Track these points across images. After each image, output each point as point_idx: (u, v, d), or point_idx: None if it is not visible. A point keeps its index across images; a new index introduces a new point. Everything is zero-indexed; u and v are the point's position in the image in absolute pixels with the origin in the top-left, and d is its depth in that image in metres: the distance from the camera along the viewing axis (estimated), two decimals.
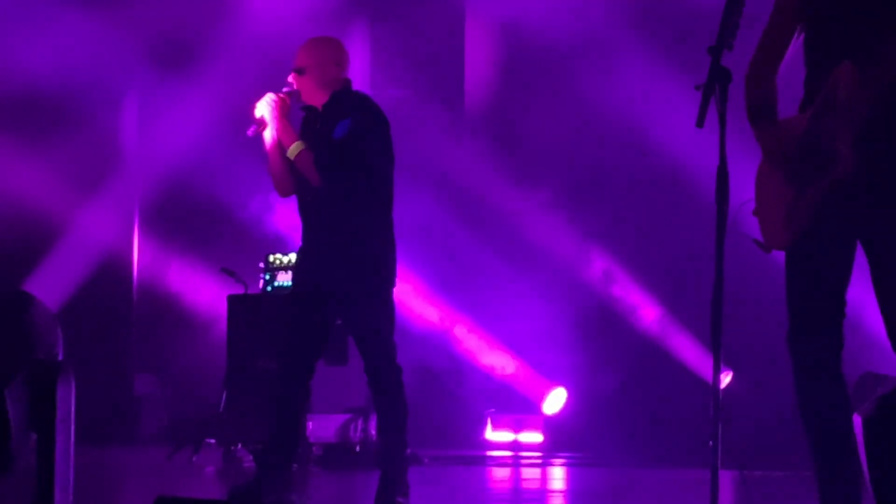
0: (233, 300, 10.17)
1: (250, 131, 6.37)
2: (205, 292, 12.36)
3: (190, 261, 12.61)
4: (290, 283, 9.78)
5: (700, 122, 4.32)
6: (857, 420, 3.51)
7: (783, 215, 4.44)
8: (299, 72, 6.36)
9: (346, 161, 6.22)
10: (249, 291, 10.19)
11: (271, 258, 10.21)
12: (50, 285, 11.83)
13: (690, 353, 10.89)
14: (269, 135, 6.35)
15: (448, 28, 12.35)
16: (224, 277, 10.55)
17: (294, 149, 6.27)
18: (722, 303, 4.30)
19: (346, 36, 11.54)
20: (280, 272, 10.13)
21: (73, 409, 3.54)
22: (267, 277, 10.20)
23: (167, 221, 12.84)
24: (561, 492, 8.69)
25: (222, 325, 10.39)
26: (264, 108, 6.32)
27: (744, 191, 4.58)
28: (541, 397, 11.64)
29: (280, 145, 6.34)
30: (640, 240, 11.30)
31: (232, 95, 11.78)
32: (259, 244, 10.92)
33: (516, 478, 9.58)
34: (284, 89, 6.39)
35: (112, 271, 12.78)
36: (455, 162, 11.99)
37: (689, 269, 10.21)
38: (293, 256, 9.90)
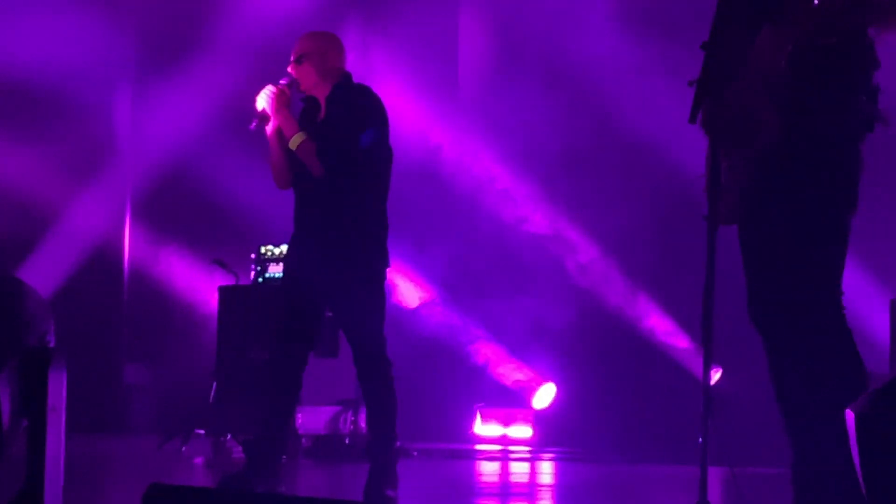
0: (224, 291, 10.17)
1: (252, 125, 6.38)
2: (196, 283, 12.35)
3: (181, 251, 12.60)
4: (281, 275, 9.80)
5: (692, 118, 4.32)
6: (850, 416, 3.51)
7: (729, 188, 4.44)
8: (298, 61, 6.36)
9: (360, 162, 6.23)
10: (240, 282, 10.19)
11: (263, 249, 10.21)
12: (41, 274, 11.81)
13: (681, 348, 10.90)
14: (270, 127, 6.36)
15: (442, 16, 12.34)
16: (215, 268, 10.55)
17: (296, 139, 6.27)
18: (713, 299, 4.31)
19: (341, 26, 11.54)
20: (271, 263, 10.13)
21: (64, 396, 3.54)
22: (258, 269, 10.20)
23: (159, 212, 12.82)
24: (549, 486, 8.69)
25: (213, 315, 10.39)
26: (264, 100, 6.32)
27: None
28: (530, 392, 11.64)
29: (281, 137, 6.34)
30: (630, 233, 11.29)
31: (225, 87, 11.78)
32: (250, 235, 10.91)
33: (505, 472, 9.58)
34: (283, 80, 6.39)
35: (103, 261, 12.77)
36: (448, 151, 11.98)
37: (681, 264, 10.21)
38: (285, 248, 9.84)
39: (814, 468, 4.33)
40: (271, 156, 6.43)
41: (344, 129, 6.25)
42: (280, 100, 6.32)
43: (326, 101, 6.38)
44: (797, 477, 4.39)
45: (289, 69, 6.42)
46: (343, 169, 6.24)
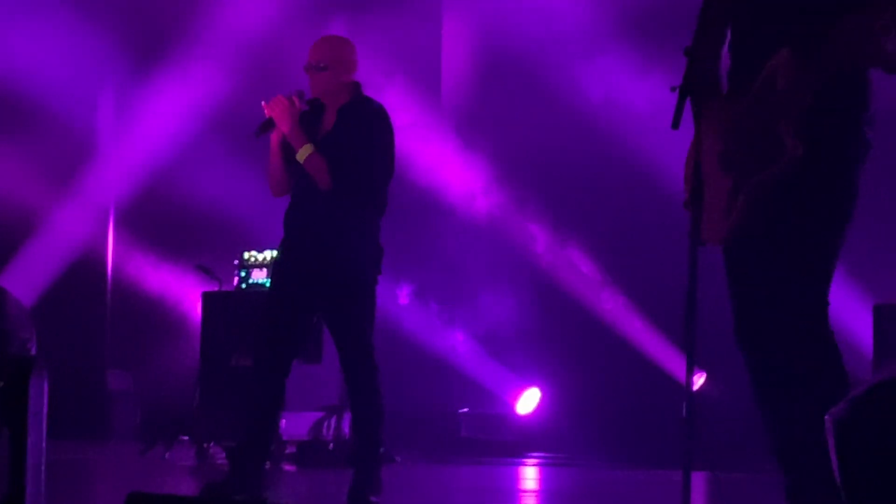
0: (207, 297, 10.15)
1: (258, 132, 6.35)
2: (179, 289, 12.33)
3: (165, 257, 12.58)
4: (265, 281, 9.79)
5: (675, 124, 4.31)
6: (829, 422, 3.51)
7: (722, 208, 4.41)
8: (319, 68, 6.32)
9: (365, 176, 6.25)
10: (224, 288, 10.17)
11: (246, 255, 10.19)
12: (24, 281, 11.79)
13: (664, 354, 10.90)
14: (275, 136, 6.34)
15: (425, 25, 12.34)
16: (199, 274, 10.54)
17: (304, 151, 6.25)
18: (696, 304, 4.31)
19: (324, 31, 11.54)
20: (255, 269, 10.11)
21: (45, 404, 3.53)
22: (242, 274, 10.18)
23: (142, 218, 12.81)
24: (534, 492, 8.70)
25: (197, 321, 10.37)
26: (274, 108, 6.28)
27: None
28: (514, 397, 11.64)
29: (288, 147, 6.32)
30: (614, 240, 11.30)
31: (208, 93, 11.78)
32: (234, 241, 10.90)
33: (489, 477, 9.58)
34: (293, 90, 6.36)
35: (86, 267, 12.75)
36: (431, 159, 11.98)
37: (664, 269, 10.22)
38: (268, 254, 9.90)
39: (799, 478, 4.33)
40: (271, 164, 6.41)
41: (356, 146, 6.25)
42: (290, 110, 6.28)
43: (339, 112, 6.36)
44: (788, 489, 4.39)
45: (308, 75, 6.37)
46: (349, 182, 6.24)
